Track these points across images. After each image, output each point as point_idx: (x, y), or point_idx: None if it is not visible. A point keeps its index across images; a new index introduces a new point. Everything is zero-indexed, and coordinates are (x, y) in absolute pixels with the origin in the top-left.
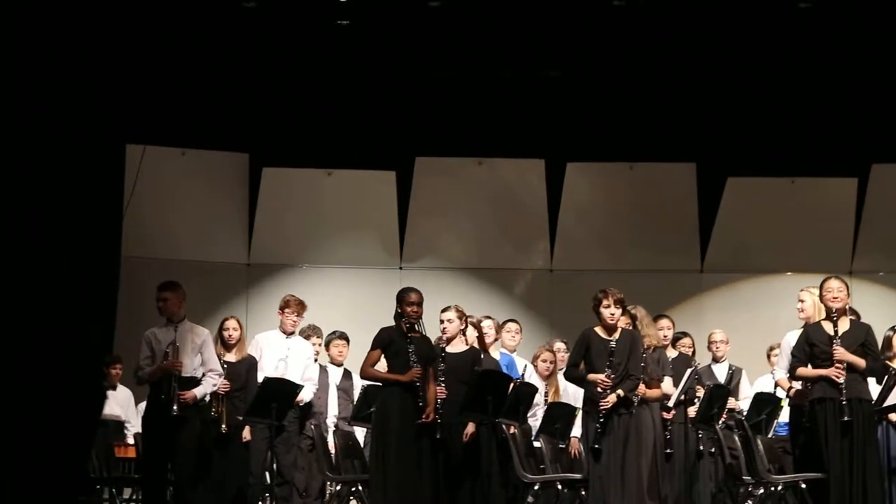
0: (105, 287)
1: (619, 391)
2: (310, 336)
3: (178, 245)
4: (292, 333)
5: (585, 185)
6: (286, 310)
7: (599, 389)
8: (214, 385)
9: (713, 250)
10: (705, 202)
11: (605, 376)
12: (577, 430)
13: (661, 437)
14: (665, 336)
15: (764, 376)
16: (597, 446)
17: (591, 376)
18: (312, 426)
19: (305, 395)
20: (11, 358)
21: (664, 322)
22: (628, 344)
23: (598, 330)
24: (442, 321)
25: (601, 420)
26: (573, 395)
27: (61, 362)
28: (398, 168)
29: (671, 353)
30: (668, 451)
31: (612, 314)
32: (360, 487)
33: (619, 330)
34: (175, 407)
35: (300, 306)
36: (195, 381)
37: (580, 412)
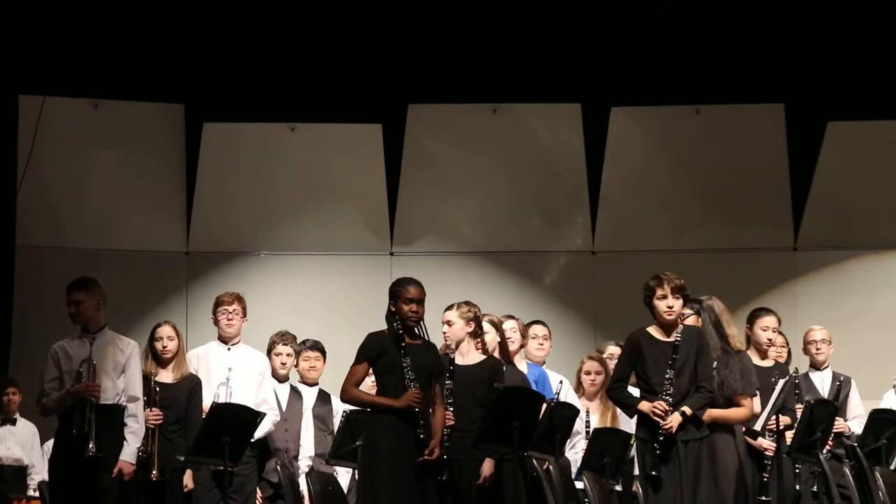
0: None
1: (685, 408)
2: (277, 346)
3: (91, 229)
4: (236, 342)
5: (636, 137)
6: (218, 310)
7: (658, 411)
8: (140, 430)
9: (810, 221)
10: (798, 157)
11: (663, 399)
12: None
13: (751, 476)
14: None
15: (887, 392)
16: (654, 473)
17: (644, 405)
18: (278, 467)
19: (260, 429)
20: None
21: (769, 321)
22: (694, 345)
23: (652, 331)
24: (443, 324)
25: (659, 448)
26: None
27: None
28: (385, 120)
29: (755, 360)
30: (764, 497)
31: (670, 307)
32: None
33: (681, 327)
34: (91, 445)
35: (235, 299)
36: (117, 414)
37: (635, 441)
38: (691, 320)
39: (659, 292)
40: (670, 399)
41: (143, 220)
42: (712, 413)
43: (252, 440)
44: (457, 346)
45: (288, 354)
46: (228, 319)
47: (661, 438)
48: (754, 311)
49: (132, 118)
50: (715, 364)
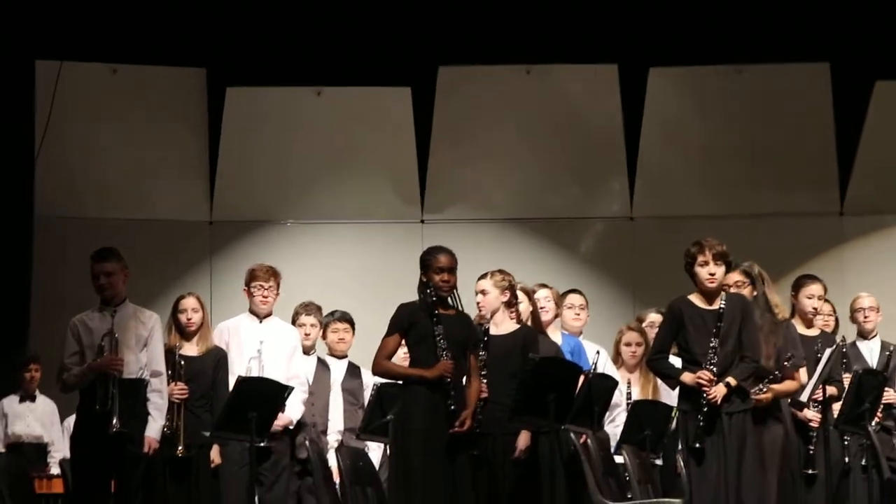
0: (12, 260)
1: (730, 379)
2: (300, 316)
3: (112, 198)
4: (268, 315)
5: (676, 98)
6: (252, 285)
7: (704, 381)
8: (164, 405)
9: (857, 184)
10: (844, 118)
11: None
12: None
13: (797, 451)
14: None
15: None
16: (698, 445)
17: (687, 376)
18: (306, 443)
19: (292, 409)
20: None
21: (815, 289)
22: (738, 312)
23: (695, 299)
24: (477, 293)
25: (703, 420)
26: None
27: None
28: (414, 83)
29: (799, 329)
30: (810, 471)
31: (712, 274)
32: None
33: (724, 295)
34: (115, 421)
35: (271, 275)
36: (140, 388)
37: (677, 413)
38: (747, 290)
39: (700, 259)
40: (714, 369)
41: (165, 189)
42: (773, 388)
43: (291, 424)
44: (491, 316)
45: (312, 325)
46: (264, 296)
47: (704, 410)
48: (799, 278)
49: (152, 83)
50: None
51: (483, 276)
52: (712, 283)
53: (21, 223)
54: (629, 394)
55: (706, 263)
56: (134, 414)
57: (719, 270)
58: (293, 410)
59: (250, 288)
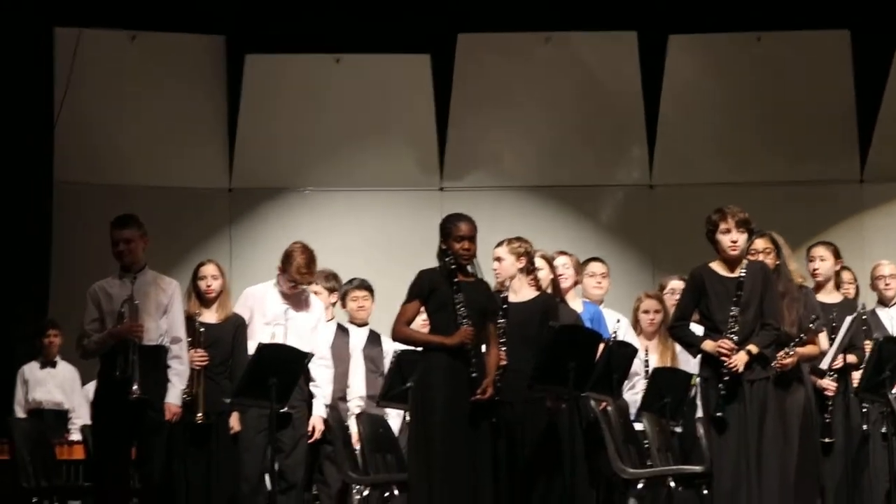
0: (32, 226)
1: (751, 346)
2: (315, 283)
3: (131, 165)
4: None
5: (695, 66)
6: (290, 268)
7: (725, 350)
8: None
9: (877, 152)
10: (864, 85)
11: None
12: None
13: (816, 417)
14: (816, 271)
15: None
16: (719, 414)
17: (708, 344)
18: (327, 409)
19: (320, 383)
20: None
21: (818, 251)
22: (760, 280)
23: (716, 266)
24: (493, 260)
25: (724, 388)
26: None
27: None
28: (434, 50)
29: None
30: (828, 439)
31: (734, 242)
32: (395, 491)
33: (745, 263)
34: (136, 388)
35: (309, 271)
36: (160, 355)
37: (697, 381)
38: (771, 258)
39: (722, 226)
40: (735, 337)
41: (184, 156)
42: (798, 352)
43: (327, 401)
44: (507, 283)
45: (327, 290)
46: (294, 286)
47: (725, 379)
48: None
49: (171, 50)
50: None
51: (500, 244)
52: (734, 250)
53: (40, 190)
54: (646, 361)
55: (728, 231)
56: (154, 380)
57: (741, 238)
58: (325, 385)
59: (290, 272)
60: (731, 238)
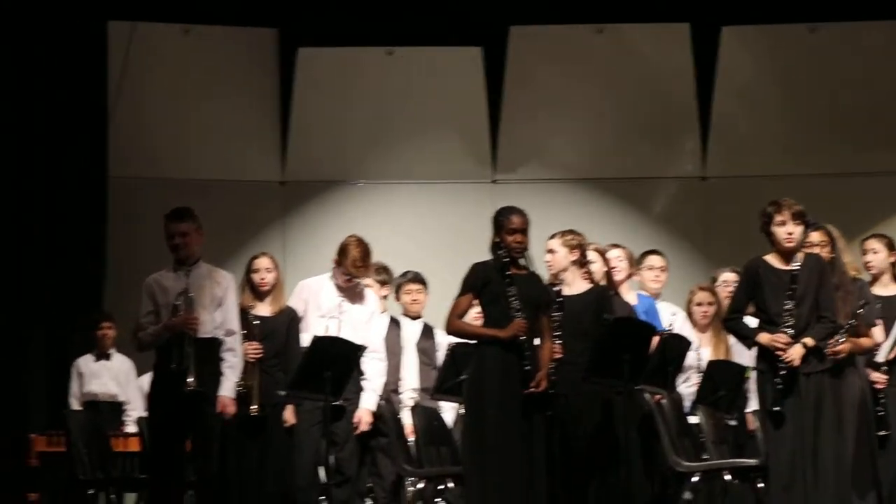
0: (87, 220)
1: (807, 339)
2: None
3: (184, 159)
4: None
5: (749, 57)
6: (345, 261)
7: (780, 344)
8: (239, 363)
9: None
10: None
11: (783, 330)
12: (753, 403)
13: (871, 411)
14: (869, 264)
15: None
16: (777, 409)
17: (764, 337)
18: (382, 403)
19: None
20: None
21: (871, 243)
22: (815, 272)
23: (771, 259)
24: (546, 252)
25: (781, 382)
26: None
27: None
28: (486, 42)
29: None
30: (883, 432)
31: (790, 234)
32: (449, 484)
33: (800, 255)
34: (191, 380)
35: (365, 265)
36: (215, 348)
37: (753, 374)
38: (827, 251)
39: (778, 218)
40: (791, 330)
41: (236, 149)
42: (851, 340)
43: (377, 394)
44: (559, 275)
45: (378, 283)
46: (350, 279)
47: (782, 373)
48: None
49: (224, 44)
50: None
51: (553, 236)
52: (790, 242)
53: (95, 184)
54: (699, 354)
55: (784, 223)
56: (209, 373)
57: (797, 230)
58: (378, 378)
59: (347, 267)
60: (787, 230)
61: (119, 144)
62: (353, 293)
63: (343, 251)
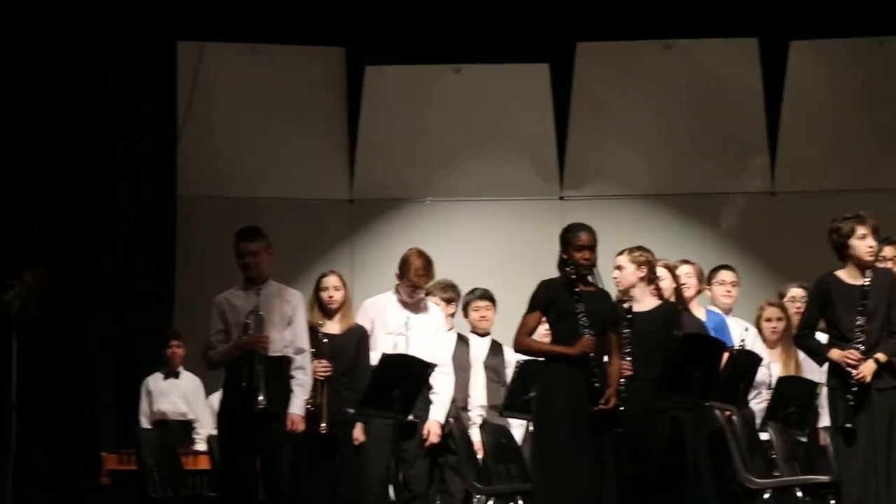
0: (157, 239)
1: (879, 355)
2: (434, 295)
3: (252, 177)
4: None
5: (817, 71)
6: (408, 273)
7: (852, 361)
8: (308, 381)
9: None
10: None
11: (854, 346)
12: (824, 419)
13: None
14: None
15: None
16: (849, 426)
17: (835, 353)
18: (451, 420)
19: (439, 390)
20: None
21: None
22: (887, 287)
23: (841, 274)
24: (614, 269)
25: (852, 399)
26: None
27: None
28: (553, 59)
29: None
30: None
31: (871, 247)
32: (519, 502)
33: (869, 271)
34: (261, 398)
35: (427, 274)
36: (285, 366)
37: (824, 390)
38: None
39: (860, 231)
40: (862, 347)
41: (304, 167)
42: None
43: (445, 408)
44: (628, 292)
45: (444, 301)
46: (415, 289)
47: (854, 390)
48: None
49: (292, 63)
50: None
51: (621, 253)
52: (872, 255)
53: (164, 203)
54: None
55: (865, 236)
56: (279, 391)
57: (875, 245)
58: (447, 392)
59: (404, 276)
60: (869, 243)
61: (188, 164)
62: (417, 308)
63: (405, 263)
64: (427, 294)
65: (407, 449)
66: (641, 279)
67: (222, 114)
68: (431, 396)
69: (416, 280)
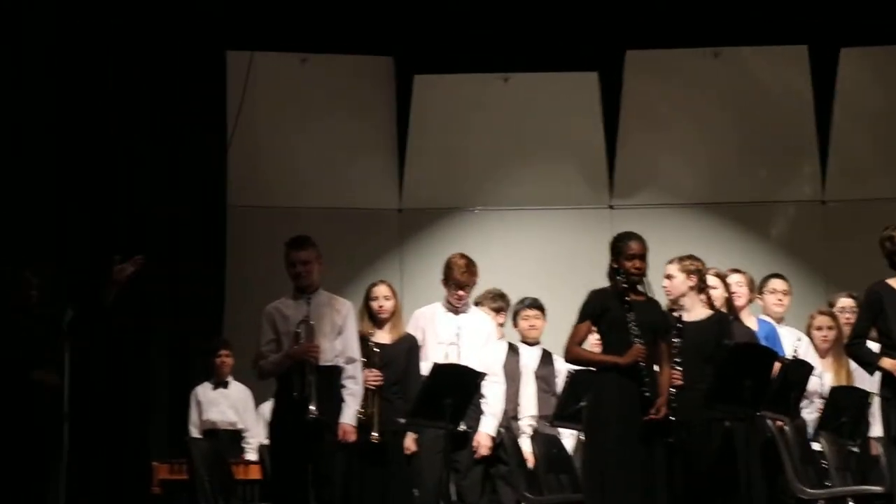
0: (207, 248)
1: None
2: (483, 304)
3: (302, 187)
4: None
5: (868, 79)
6: (452, 274)
7: None
8: (359, 391)
9: None
10: None
11: None
12: (876, 429)
13: None
14: None
15: None
16: None
17: (887, 362)
18: (502, 430)
19: (490, 399)
20: None
21: None
22: None
23: (893, 283)
24: (664, 278)
25: None
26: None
27: None
28: (602, 67)
29: None
30: None
31: None
32: None
33: None
34: (313, 408)
35: (470, 271)
36: (336, 375)
37: (876, 400)
38: None
39: None
40: None
41: (354, 177)
42: None
43: (497, 418)
44: (677, 300)
45: (493, 311)
46: (463, 292)
47: None
48: None
49: (341, 72)
50: None
51: (671, 261)
52: None
53: (214, 213)
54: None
55: None
56: (330, 401)
57: None
58: (497, 403)
59: (448, 283)
60: None
61: (237, 173)
62: (466, 316)
63: (448, 267)
64: (477, 304)
65: (459, 459)
66: (692, 288)
67: (272, 123)
68: (483, 407)
69: (460, 278)
